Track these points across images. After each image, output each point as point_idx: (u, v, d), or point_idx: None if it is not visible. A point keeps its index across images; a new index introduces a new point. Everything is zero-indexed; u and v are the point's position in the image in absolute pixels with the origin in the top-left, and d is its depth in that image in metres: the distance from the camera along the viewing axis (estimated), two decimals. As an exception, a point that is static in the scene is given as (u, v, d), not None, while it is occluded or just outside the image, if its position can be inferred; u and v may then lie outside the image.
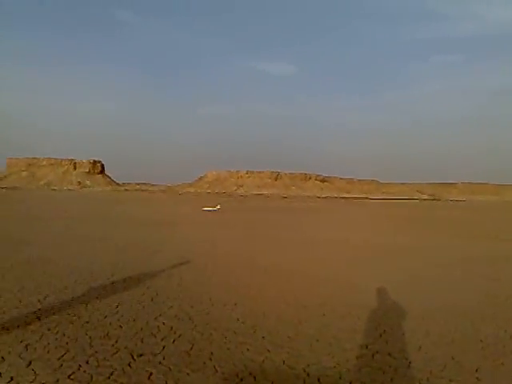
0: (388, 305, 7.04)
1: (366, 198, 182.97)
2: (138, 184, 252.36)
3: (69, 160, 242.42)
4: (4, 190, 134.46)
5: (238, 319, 5.99)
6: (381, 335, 5.47)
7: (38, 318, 5.70)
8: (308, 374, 4.27)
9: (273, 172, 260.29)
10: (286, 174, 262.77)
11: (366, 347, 5.03)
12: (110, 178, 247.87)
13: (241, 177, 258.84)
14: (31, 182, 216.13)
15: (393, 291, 7.90)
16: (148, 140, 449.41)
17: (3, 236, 14.71)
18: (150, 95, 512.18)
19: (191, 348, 4.85)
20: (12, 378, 3.92)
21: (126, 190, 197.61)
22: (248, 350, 4.87)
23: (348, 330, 5.66)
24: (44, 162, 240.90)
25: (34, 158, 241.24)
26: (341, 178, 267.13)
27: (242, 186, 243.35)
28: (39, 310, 6.11)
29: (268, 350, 4.86)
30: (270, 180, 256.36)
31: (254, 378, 4.18)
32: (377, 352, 4.88)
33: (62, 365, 4.24)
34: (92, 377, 4.00)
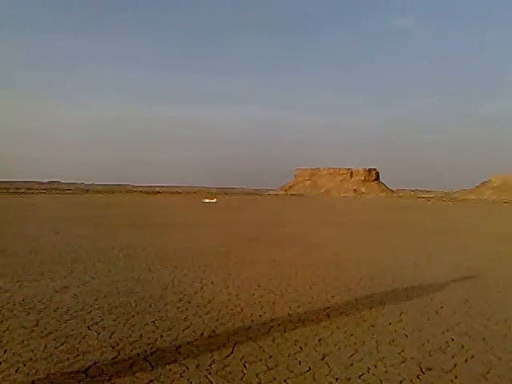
0: None
1: None
2: (413, 190, 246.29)
3: (346, 169, 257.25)
4: (292, 196, 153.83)
5: (546, 350, 5.03)
6: None
7: (328, 316, 6.16)
8: None
9: None
10: None
11: None
12: (384, 184, 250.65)
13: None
14: (313, 190, 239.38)
15: None
16: (421, 144, 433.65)
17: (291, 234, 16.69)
18: (420, 98, 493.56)
19: (488, 372, 4.33)
20: (309, 369, 4.32)
21: (400, 196, 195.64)
22: None
23: None
24: (324, 172, 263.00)
25: (316, 169, 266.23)
26: None
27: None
28: (328, 307, 6.60)
29: None
30: None
31: None
32: None
33: (352, 364, 4.44)
34: (381, 381, 4.04)
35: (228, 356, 4.55)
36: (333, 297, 7.28)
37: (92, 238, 14.83)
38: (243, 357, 4.54)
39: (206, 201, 43.37)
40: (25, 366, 4.14)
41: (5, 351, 4.48)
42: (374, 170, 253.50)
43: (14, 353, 4.45)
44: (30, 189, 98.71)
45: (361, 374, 4.20)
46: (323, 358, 4.60)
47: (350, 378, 4.09)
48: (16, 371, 4.01)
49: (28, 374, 3.96)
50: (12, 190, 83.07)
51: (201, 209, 42.18)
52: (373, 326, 5.72)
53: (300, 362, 4.48)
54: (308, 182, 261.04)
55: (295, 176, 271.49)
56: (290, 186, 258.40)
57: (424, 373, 4.28)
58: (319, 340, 5.13)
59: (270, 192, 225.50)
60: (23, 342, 4.77)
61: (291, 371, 4.22)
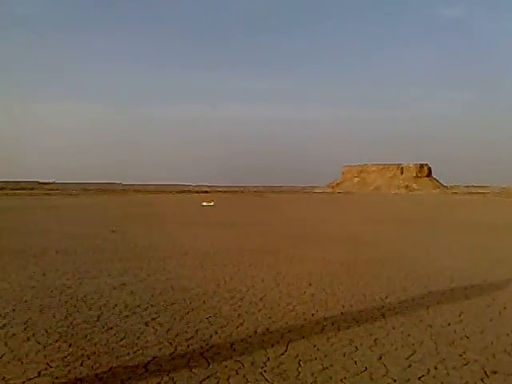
0: None
1: None
2: (467, 186, 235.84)
3: (396, 165, 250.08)
4: (339, 194, 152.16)
5: None
6: None
7: (383, 316, 6.01)
8: None
9: None
10: None
11: None
12: (437, 180, 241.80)
13: None
14: (362, 187, 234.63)
15: None
16: (475, 138, 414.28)
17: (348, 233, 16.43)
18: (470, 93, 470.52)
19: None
20: (366, 369, 4.23)
21: (454, 192, 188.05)
22: None
23: None
24: (373, 168, 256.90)
25: (365, 165, 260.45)
26: None
27: None
28: (382, 307, 6.45)
29: None
30: None
31: None
32: None
33: (410, 365, 4.31)
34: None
35: (282, 354, 4.55)
36: (387, 296, 7.11)
37: (145, 235, 15.31)
38: (298, 355, 4.52)
39: (204, 204, 43.65)
40: (89, 359, 4.32)
41: (70, 345, 4.70)
42: (426, 165, 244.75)
43: (77, 346, 4.66)
44: (76, 190, 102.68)
45: (420, 375, 4.07)
46: (380, 358, 4.49)
47: (408, 380, 3.97)
48: (81, 364, 4.19)
49: (92, 367, 4.14)
50: (57, 191, 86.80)
51: (246, 207, 42.46)
52: (430, 327, 5.53)
53: (356, 361, 4.40)
54: (356, 179, 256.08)
55: (342, 173, 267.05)
56: (338, 184, 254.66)
57: (488, 376, 4.08)
58: (375, 340, 5.02)
59: (317, 190, 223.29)
60: (86, 336, 4.99)
61: (347, 371, 4.15)
